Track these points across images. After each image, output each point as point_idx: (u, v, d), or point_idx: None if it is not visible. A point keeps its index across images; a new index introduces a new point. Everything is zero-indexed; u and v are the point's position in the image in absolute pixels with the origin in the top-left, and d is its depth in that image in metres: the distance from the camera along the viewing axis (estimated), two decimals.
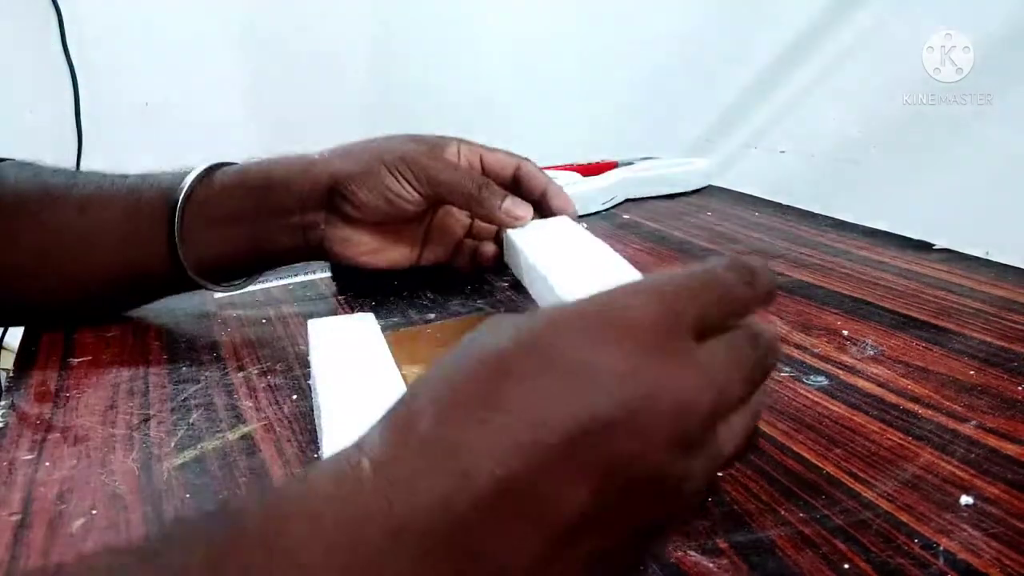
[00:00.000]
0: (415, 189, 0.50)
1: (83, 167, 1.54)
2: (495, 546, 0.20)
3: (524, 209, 0.51)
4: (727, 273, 0.26)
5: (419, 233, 0.55)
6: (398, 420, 0.22)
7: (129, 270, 0.50)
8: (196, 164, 0.51)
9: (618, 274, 0.44)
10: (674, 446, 0.22)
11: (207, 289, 0.52)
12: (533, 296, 0.48)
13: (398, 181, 0.50)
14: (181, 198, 0.49)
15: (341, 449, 0.22)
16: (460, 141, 0.54)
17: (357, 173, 0.50)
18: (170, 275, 0.50)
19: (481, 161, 0.54)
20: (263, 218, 0.50)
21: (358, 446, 0.22)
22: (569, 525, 0.21)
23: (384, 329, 0.46)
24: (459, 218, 0.57)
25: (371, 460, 0.21)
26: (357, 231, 0.52)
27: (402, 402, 0.23)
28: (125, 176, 0.52)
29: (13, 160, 0.53)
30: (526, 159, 0.55)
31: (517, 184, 0.54)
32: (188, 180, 0.49)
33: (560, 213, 0.53)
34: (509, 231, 0.51)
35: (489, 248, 0.55)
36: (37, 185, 0.50)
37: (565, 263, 0.45)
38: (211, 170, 0.51)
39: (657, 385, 0.22)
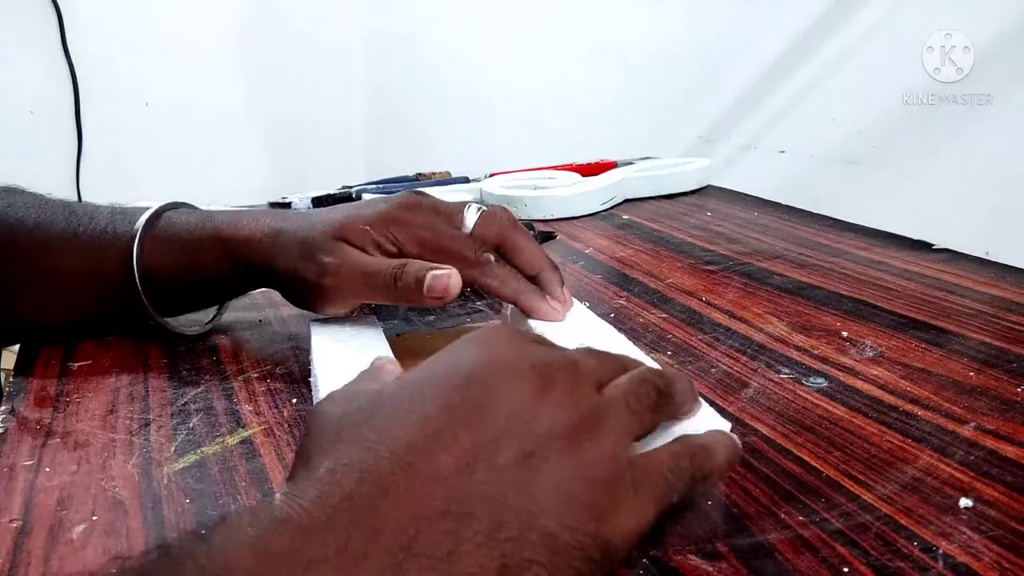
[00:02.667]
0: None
1: (83, 167, 1.54)
2: (396, 515, 0.23)
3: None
4: (651, 375, 0.31)
5: None
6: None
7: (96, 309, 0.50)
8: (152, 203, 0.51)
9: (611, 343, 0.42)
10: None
11: (172, 328, 0.51)
12: None
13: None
14: (137, 241, 0.48)
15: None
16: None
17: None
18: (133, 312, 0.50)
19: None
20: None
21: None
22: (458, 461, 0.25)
23: (384, 333, 0.46)
24: None
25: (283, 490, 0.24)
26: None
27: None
28: (95, 208, 0.51)
29: None
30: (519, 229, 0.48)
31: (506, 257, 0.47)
32: (140, 222, 0.48)
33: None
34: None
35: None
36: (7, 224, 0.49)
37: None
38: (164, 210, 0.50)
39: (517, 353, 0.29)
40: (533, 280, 0.46)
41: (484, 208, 0.47)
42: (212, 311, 0.54)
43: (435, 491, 0.24)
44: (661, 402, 0.31)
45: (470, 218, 0.46)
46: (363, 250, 0.45)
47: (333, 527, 0.22)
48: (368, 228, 0.45)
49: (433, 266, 0.43)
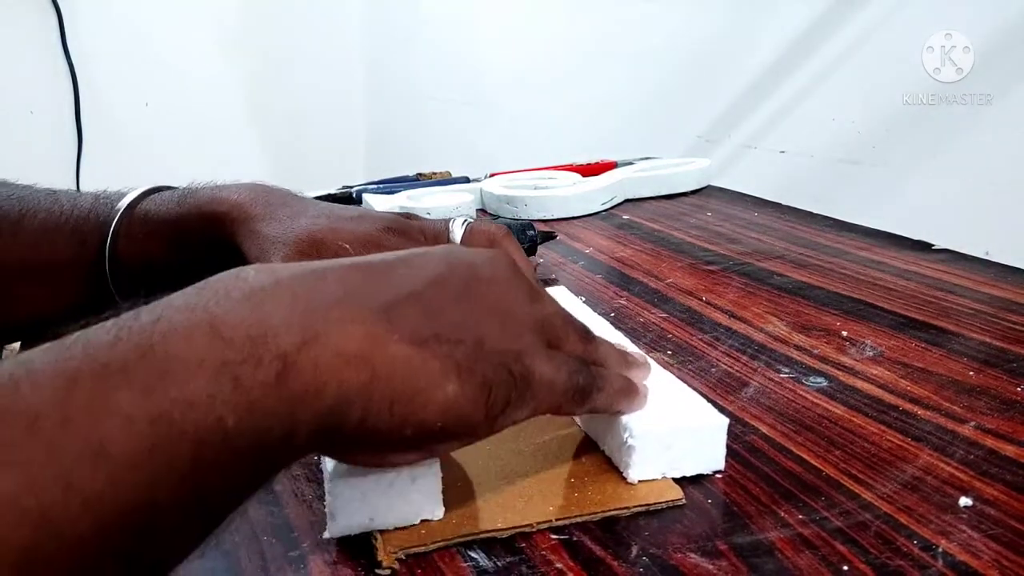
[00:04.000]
0: None
1: (83, 167, 1.54)
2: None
3: None
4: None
5: None
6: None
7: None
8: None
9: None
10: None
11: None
12: None
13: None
14: (116, 221, 0.48)
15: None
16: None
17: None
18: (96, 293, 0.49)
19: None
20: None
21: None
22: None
23: None
24: None
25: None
26: None
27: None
28: (78, 195, 0.50)
29: None
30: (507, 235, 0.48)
31: None
32: (123, 204, 0.48)
33: None
34: None
35: None
36: None
37: None
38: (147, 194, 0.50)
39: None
40: None
41: (472, 220, 0.46)
42: None
43: (394, 273, 0.28)
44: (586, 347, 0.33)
45: (456, 232, 0.45)
46: None
47: (295, 273, 0.27)
48: (347, 247, 0.44)
49: None
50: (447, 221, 0.46)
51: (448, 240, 0.46)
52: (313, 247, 0.43)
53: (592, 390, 0.31)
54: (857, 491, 0.32)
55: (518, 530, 0.30)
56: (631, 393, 0.34)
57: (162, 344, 0.22)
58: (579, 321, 0.34)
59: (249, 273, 0.26)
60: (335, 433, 0.25)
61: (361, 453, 0.29)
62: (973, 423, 0.37)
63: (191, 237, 0.47)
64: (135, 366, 0.22)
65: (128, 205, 0.48)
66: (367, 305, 0.26)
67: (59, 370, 0.21)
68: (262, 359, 0.23)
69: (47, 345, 0.22)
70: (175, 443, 0.21)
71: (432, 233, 0.46)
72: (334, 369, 0.25)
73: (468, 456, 0.35)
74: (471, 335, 0.28)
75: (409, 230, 0.45)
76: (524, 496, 0.32)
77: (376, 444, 0.27)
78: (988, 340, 0.46)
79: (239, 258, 0.45)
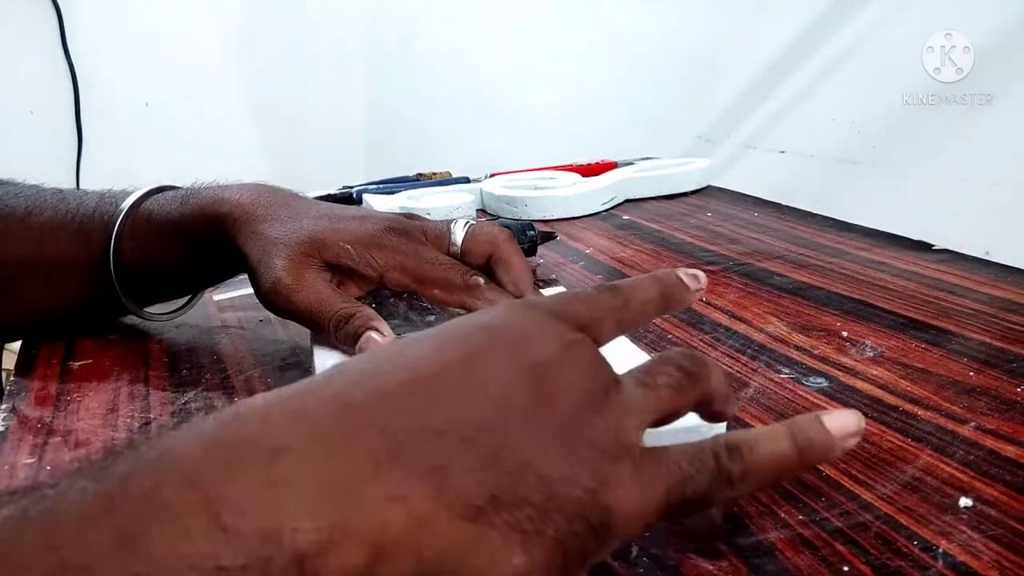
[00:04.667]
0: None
1: (83, 167, 1.54)
2: (387, 418, 0.22)
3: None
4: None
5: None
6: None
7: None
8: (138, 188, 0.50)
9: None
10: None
11: (146, 317, 0.52)
12: None
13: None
14: (122, 216, 0.48)
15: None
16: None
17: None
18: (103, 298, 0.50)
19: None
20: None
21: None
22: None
23: None
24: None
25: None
26: None
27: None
28: (84, 194, 0.51)
29: None
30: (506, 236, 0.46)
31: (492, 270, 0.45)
32: (128, 202, 0.49)
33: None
34: None
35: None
36: None
37: None
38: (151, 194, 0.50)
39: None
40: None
41: (474, 222, 0.46)
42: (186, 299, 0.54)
43: (436, 407, 0.23)
44: (686, 382, 0.27)
45: (458, 234, 0.45)
46: (337, 266, 0.43)
47: (318, 419, 0.21)
48: (349, 248, 0.43)
49: (376, 325, 0.41)
50: (449, 222, 0.46)
51: (450, 243, 0.45)
52: (315, 248, 0.43)
53: (718, 489, 0.26)
54: (857, 492, 0.32)
55: None
56: (816, 445, 0.27)
57: (145, 539, 0.18)
58: (679, 371, 0.28)
59: (254, 417, 0.21)
60: None
61: None
62: (973, 423, 0.37)
63: (194, 237, 0.47)
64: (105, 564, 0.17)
65: (132, 204, 0.48)
66: (411, 471, 0.21)
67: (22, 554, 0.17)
68: (272, 565, 0.18)
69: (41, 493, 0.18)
70: None
71: (434, 234, 0.45)
72: (367, 567, 0.20)
73: None
74: (536, 487, 0.22)
75: (411, 230, 0.45)
76: None
77: None
78: (988, 340, 0.46)
79: (241, 259, 0.45)
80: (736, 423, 0.38)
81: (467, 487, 0.21)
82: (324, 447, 0.21)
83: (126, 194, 0.49)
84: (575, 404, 0.25)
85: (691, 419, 0.33)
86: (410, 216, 0.47)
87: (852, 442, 0.28)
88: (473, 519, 0.21)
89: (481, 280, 0.43)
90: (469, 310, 0.43)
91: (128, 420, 0.41)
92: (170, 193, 0.50)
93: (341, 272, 0.44)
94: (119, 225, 0.48)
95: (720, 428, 0.34)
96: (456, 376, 0.24)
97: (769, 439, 0.27)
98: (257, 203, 0.46)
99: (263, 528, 0.18)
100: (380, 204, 0.76)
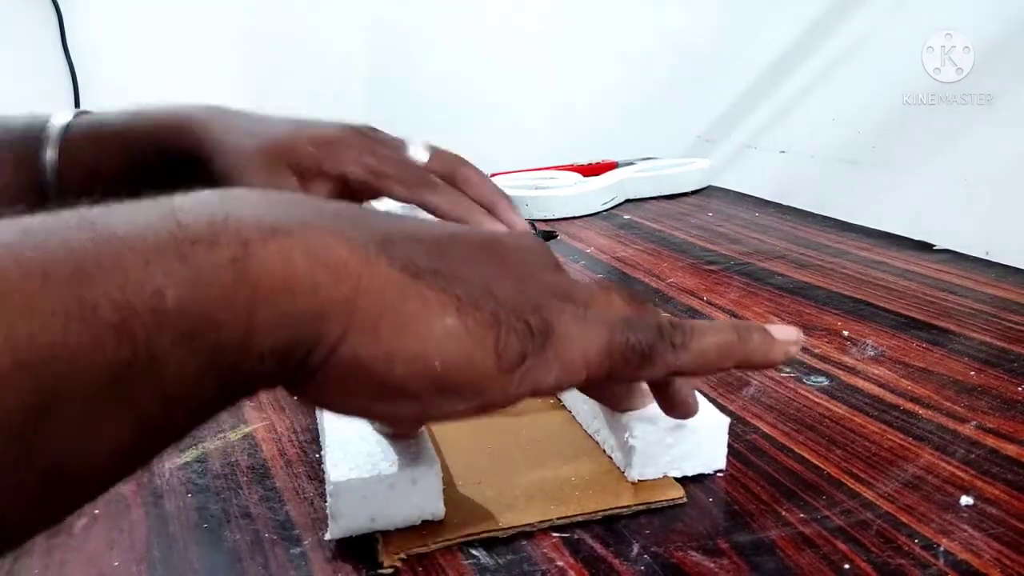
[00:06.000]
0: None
1: None
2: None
3: None
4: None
5: None
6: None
7: None
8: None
9: None
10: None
11: None
12: None
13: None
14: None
15: None
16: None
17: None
18: None
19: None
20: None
21: None
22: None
23: None
24: None
25: None
26: None
27: None
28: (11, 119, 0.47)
29: None
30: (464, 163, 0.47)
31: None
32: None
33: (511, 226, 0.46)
34: None
35: None
36: None
37: None
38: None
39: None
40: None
41: (433, 145, 0.46)
42: None
43: (419, 229, 0.25)
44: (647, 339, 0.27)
45: (420, 152, 0.45)
46: (302, 172, 0.43)
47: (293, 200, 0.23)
48: (312, 149, 0.43)
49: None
50: (404, 138, 0.46)
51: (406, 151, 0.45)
52: (281, 154, 0.42)
53: (661, 349, 0.26)
54: (858, 490, 0.32)
55: (519, 529, 0.30)
56: (756, 340, 0.29)
57: (104, 219, 0.19)
58: (632, 288, 0.30)
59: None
60: (308, 356, 0.21)
61: (344, 395, 0.23)
62: (974, 422, 0.37)
63: (145, 150, 0.44)
64: (65, 233, 0.18)
65: (68, 123, 0.44)
66: (359, 228, 0.23)
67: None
68: (219, 240, 0.20)
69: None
70: (95, 310, 0.17)
71: (391, 141, 0.45)
72: (307, 271, 0.21)
73: (469, 455, 0.35)
74: (479, 279, 0.24)
75: (369, 132, 0.45)
76: (525, 495, 0.32)
77: (362, 383, 0.22)
78: (989, 340, 0.46)
79: (198, 168, 0.43)
80: (737, 421, 0.38)
81: (411, 254, 0.23)
82: (287, 197, 0.23)
83: (45, 117, 0.45)
84: (534, 258, 0.27)
85: (693, 421, 0.33)
86: (371, 128, 0.47)
87: (793, 349, 0.30)
88: (415, 276, 0.22)
89: (440, 181, 0.44)
90: (426, 206, 0.43)
91: None
92: (112, 112, 0.46)
93: (305, 176, 0.43)
94: (59, 140, 0.44)
95: (723, 427, 0.34)
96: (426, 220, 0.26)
97: (714, 327, 0.29)
98: (213, 115, 0.44)
99: (213, 220, 0.20)
100: (380, 204, 0.76)
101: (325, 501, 0.31)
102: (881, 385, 0.41)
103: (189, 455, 0.37)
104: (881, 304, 0.52)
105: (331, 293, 0.21)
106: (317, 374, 0.22)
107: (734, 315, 0.52)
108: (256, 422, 0.40)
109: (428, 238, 0.24)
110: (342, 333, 0.21)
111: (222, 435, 0.39)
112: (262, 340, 0.20)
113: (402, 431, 0.30)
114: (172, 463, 0.36)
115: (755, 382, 0.42)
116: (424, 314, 0.22)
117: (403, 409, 0.23)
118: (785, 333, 0.30)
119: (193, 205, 0.20)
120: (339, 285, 0.21)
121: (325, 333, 0.21)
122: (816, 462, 0.34)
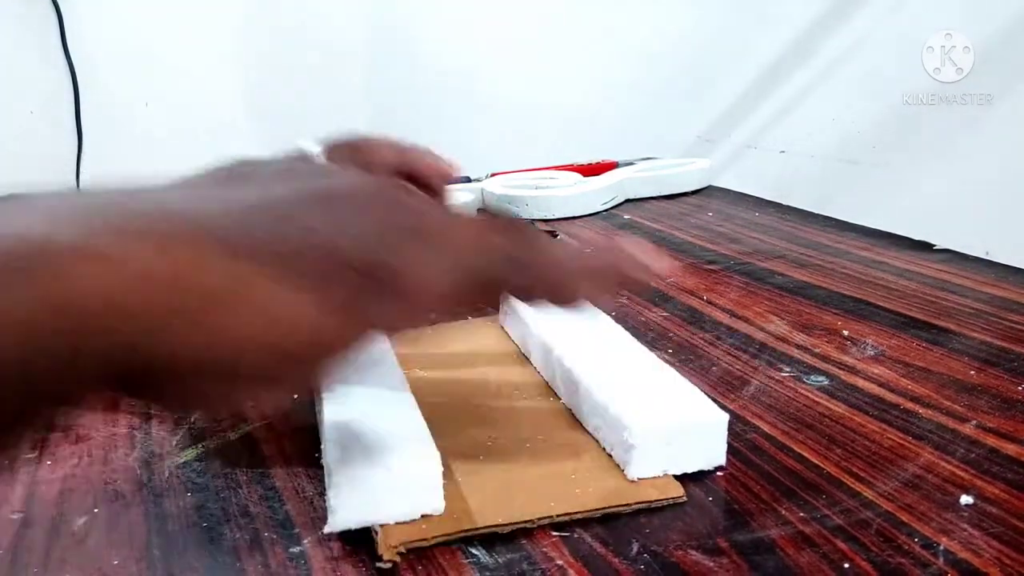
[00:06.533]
0: None
1: (83, 167, 1.54)
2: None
3: None
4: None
5: None
6: None
7: None
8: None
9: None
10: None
11: None
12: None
13: None
14: None
15: None
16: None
17: None
18: None
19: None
20: None
21: None
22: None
23: None
24: None
25: None
26: None
27: None
28: None
29: None
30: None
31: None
32: None
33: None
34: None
35: None
36: None
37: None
38: None
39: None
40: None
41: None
42: None
43: (242, 196, 0.25)
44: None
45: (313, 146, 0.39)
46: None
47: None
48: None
49: None
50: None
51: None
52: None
53: (507, 276, 0.27)
54: (858, 489, 0.32)
55: (519, 526, 0.30)
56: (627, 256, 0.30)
57: None
58: (502, 216, 0.28)
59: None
60: (138, 369, 0.20)
61: (190, 395, 0.22)
62: (974, 422, 0.37)
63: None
64: None
65: None
66: (171, 221, 0.22)
67: None
68: (25, 264, 0.18)
69: None
70: None
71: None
72: (121, 287, 0.20)
73: (469, 451, 0.35)
74: (314, 243, 0.23)
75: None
76: (525, 492, 0.32)
77: (206, 377, 0.22)
78: (989, 339, 0.46)
79: None
80: (737, 420, 0.38)
81: (233, 233, 0.22)
82: (99, 211, 0.21)
83: None
84: (382, 206, 0.26)
85: (693, 418, 0.33)
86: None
87: (659, 266, 0.31)
88: (233, 257, 0.22)
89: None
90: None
91: (129, 415, 0.41)
92: None
93: None
94: None
95: (722, 424, 0.34)
96: (253, 197, 0.25)
97: (569, 253, 0.29)
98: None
99: (18, 235, 0.19)
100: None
101: (325, 500, 0.31)
102: (881, 384, 0.41)
103: (189, 454, 0.37)
104: (881, 304, 0.52)
105: (150, 302, 0.20)
106: (153, 381, 0.21)
107: (734, 314, 0.52)
108: (255, 421, 0.40)
109: (242, 209, 0.24)
110: (169, 338, 0.20)
111: (222, 434, 0.39)
112: (84, 366, 0.19)
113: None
114: (172, 462, 0.36)
115: (755, 382, 0.42)
116: (248, 295, 0.22)
117: (262, 388, 0.23)
118: (648, 258, 0.30)
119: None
120: (156, 293, 0.20)
121: (153, 343, 0.20)
122: (816, 461, 0.34)
